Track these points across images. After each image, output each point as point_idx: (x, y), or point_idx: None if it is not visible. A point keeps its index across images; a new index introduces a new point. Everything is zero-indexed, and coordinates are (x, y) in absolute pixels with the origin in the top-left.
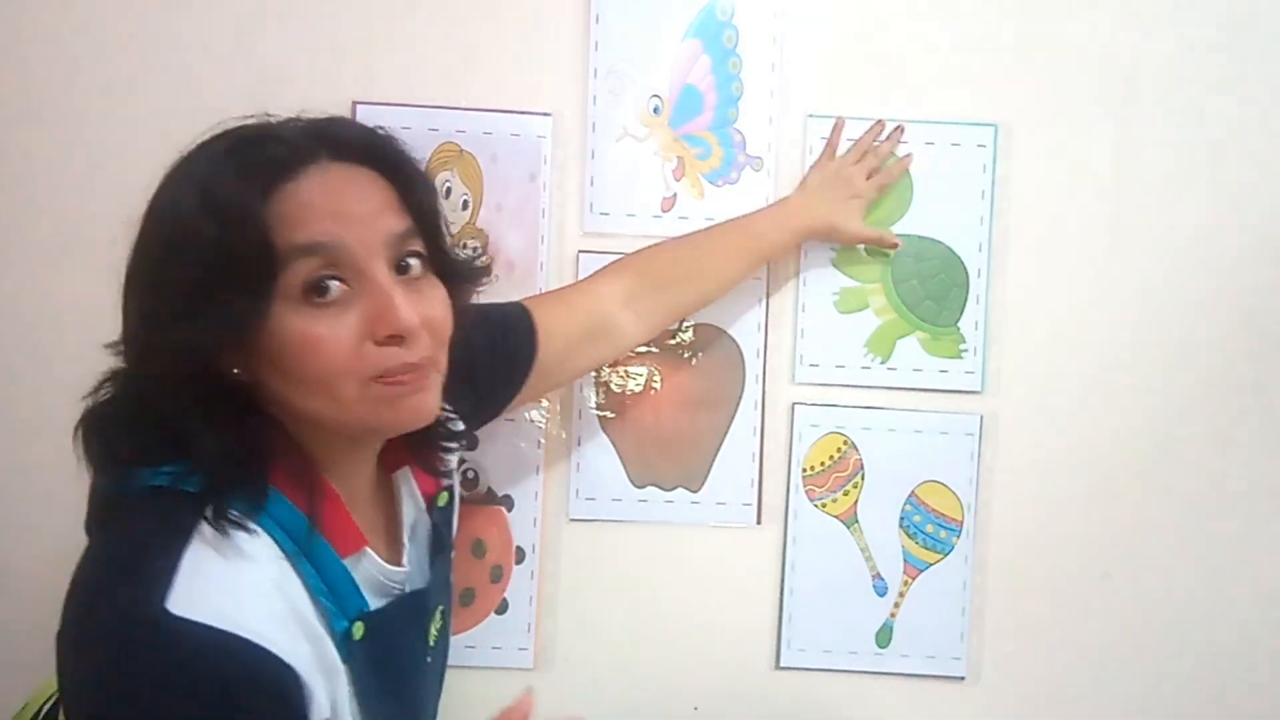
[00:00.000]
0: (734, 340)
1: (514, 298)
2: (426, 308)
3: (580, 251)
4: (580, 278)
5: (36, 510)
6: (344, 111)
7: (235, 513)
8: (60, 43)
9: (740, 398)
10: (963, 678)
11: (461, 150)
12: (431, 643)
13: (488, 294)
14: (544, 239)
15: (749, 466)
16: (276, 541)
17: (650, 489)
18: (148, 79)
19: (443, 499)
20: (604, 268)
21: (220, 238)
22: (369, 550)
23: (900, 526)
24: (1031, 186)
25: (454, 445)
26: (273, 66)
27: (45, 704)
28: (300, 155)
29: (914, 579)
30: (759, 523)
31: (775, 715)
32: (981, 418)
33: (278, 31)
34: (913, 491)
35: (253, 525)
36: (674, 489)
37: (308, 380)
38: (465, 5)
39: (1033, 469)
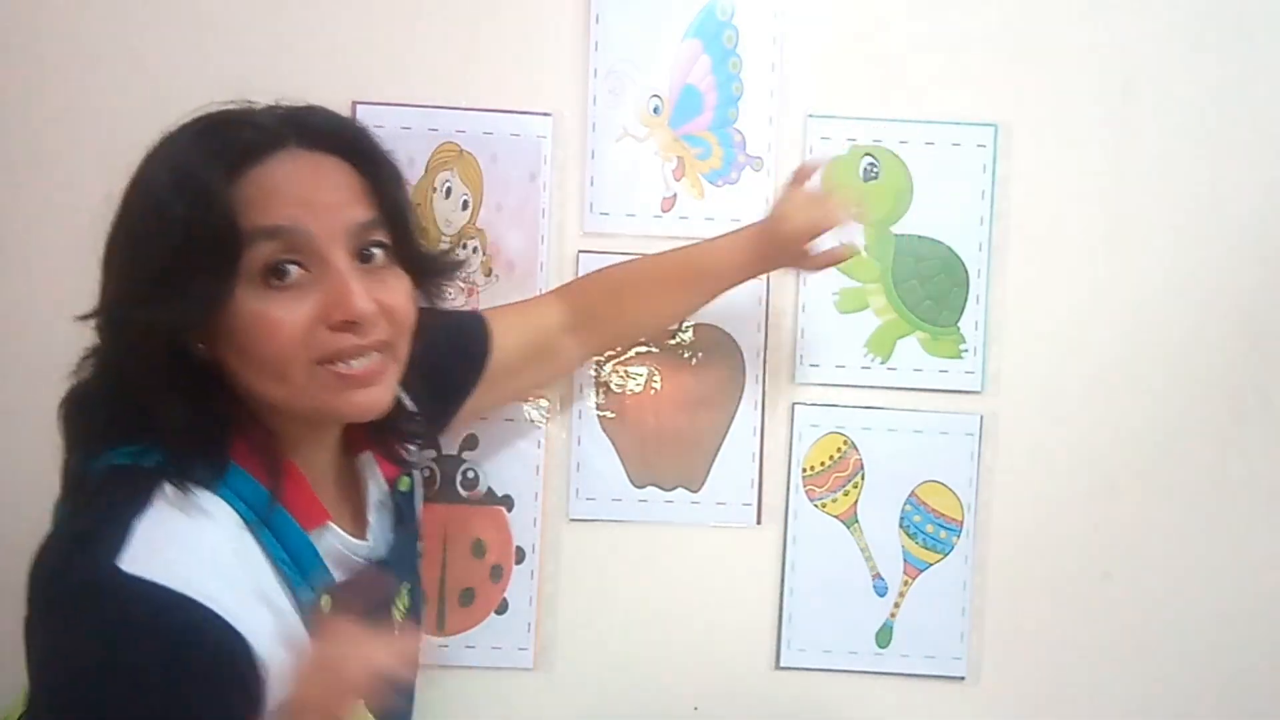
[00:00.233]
0: (734, 340)
1: (514, 298)
2: (386, 296)
3: (580, 251)
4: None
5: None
6: (344, 111)
7: (194, 484)
8: (61, 42)
9: (740, 398)
10: (963, 678)
11: (461, 150)
12: (398, 619)
13: (487, 293)
14: (544, 239)
15: (749, 466)
16: (237, 512)
17: (650, 489)
18: (148, 78)
19: (404, 484)
20: (554, 289)
21: (187, 217)
22: (332, 524)
23: (900, 526)
24: (1031, 186)
25: (413, 438)
26: (273, 66)
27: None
28: (270, 140)
29: (914, 579)
30: (759, 523)
31: (775, 715)
32: (981, 418)
33: (278, 31)
34: (913, 491)
35: (212, 495)
36: (674, 489)
37: (260, 361)
38: (465, 5)
39: (1033, 469)
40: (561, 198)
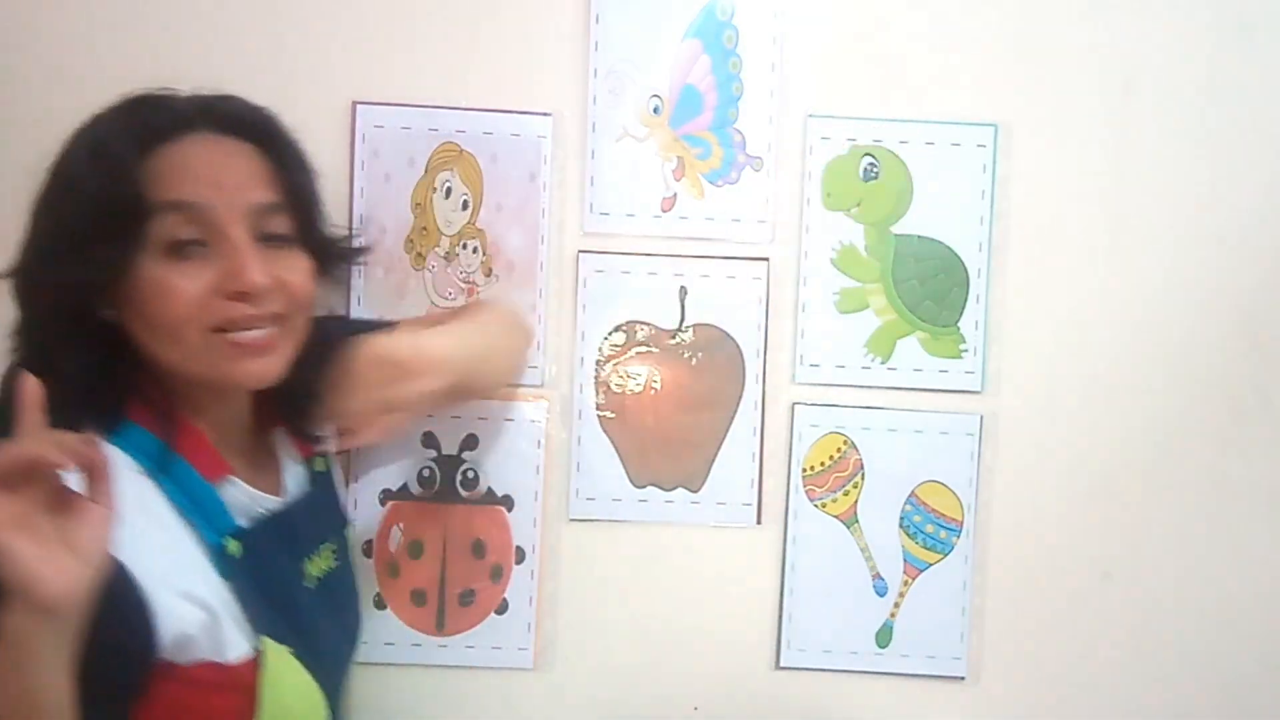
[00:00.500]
0: (734, 340)
1: (514, 298)
2: (284, 273)
3: (580, 251)
4: (580, 277)
5: None
6: (344, 111)
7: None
8: (61, 42)
9: (740, 398)
10: (963, 678)
11: (461, 150)
12: (316, 575)
13: (487, 293)
14: (544, 239)
15: (749, 466)
16: (133, 459)
17: (650, 489)
18: (148, 78)
19: (319, 463)
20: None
21: (98, 187)
22: (235, 478)
23: (900, 526)
24: (1031, 186)
25: (314, 420)
26: (273, 66)
27: None
28: (182, 122)
29: (914, 579)
30: (759, 523)
31: (775, 715)
32: (981, 418)
33: (278, 31)
34: (913, 491)
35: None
36: (674, 489)
37: (158, 326)
38: (465, 5)
39: (1033, 469)
40: (561, 198)
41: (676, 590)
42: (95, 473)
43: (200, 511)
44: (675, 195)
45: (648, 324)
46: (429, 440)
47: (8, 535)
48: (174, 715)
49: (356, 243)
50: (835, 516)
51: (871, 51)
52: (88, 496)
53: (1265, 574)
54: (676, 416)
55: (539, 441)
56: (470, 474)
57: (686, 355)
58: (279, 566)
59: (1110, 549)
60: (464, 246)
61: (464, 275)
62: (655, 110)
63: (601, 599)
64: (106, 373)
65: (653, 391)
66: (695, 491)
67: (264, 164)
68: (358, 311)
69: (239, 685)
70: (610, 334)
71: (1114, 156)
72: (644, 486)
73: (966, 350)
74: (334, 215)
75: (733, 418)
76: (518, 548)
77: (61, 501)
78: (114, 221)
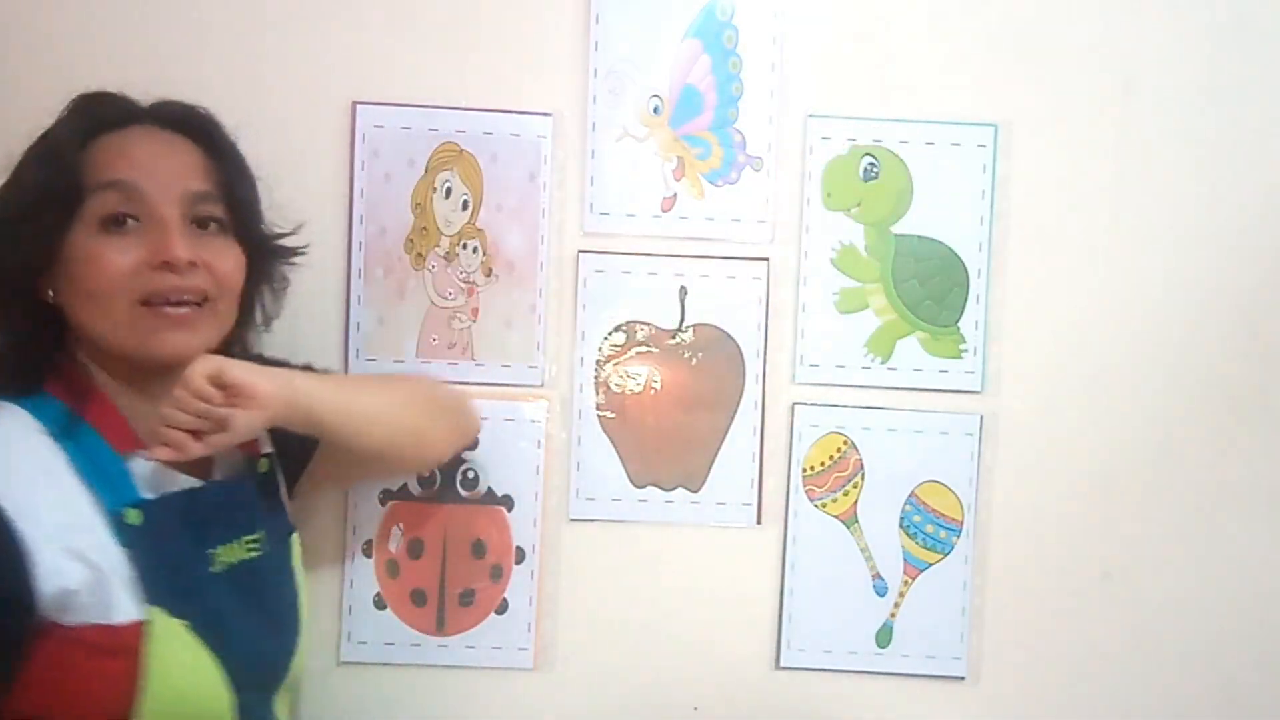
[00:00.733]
0: (734, 340)
1: (514, 298)
2: (211, 257)
3: (580, 251)
4: (580, 277)
5: None
6: (344, 111)
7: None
8: (61, 42)
9: (740, 398)
10: (963, 678)
11: (461, 150)
12: (227, 562)
13: (487, 293)
14: (544, 239)
15: (749, 466)
16: (40, 422)
17: (650, 489)
18: (147, 78)
19: (262, 465)
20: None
21: (43, 176)
22: (144, 452)
23: (900, 526)
24: (1031, 186)
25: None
26: (273, 66)
27: None
28: (126, 116)
29: (914, 579)
30: (759, 523)
31: (775, 715)
32: (981, 418)
33: (278, 31)
34: (913, 491)
35: (12, 405)
36: (674, 489)
37: (88, 296)
38: (465, 5)
39: (1033, 469)
40: (561, 198)
41: (676, 590)
42: None
43: (102, 478)
44: (675, 195)
45: (648, 324)
46: None
47: None
48: (59, 680)
49: (288, 241)
50: (835, 516)
51: (871, 51)
52: None
53: (1265, 574)
54: (676, 416)
55: (539, 441)
56: (470, 474)
57: (686, 355)
58: (181, 543)
59: (1110, 549)
60: (464, 246)
61: (464, 275)
62: (655, 110)
63: (601, 599)
64: (33, 347)
65: (653, 391)
66: (695, 491)
67: (201, 158)
68: (357, 311)
69: (124, 649)
70: (610, 334)
71: (1114, 156)
72: (644, 486)
73: (966, 350)
74: (334, 215)
75: (733, 418)
76: (518, 548)
77: None
78: (52, 202)
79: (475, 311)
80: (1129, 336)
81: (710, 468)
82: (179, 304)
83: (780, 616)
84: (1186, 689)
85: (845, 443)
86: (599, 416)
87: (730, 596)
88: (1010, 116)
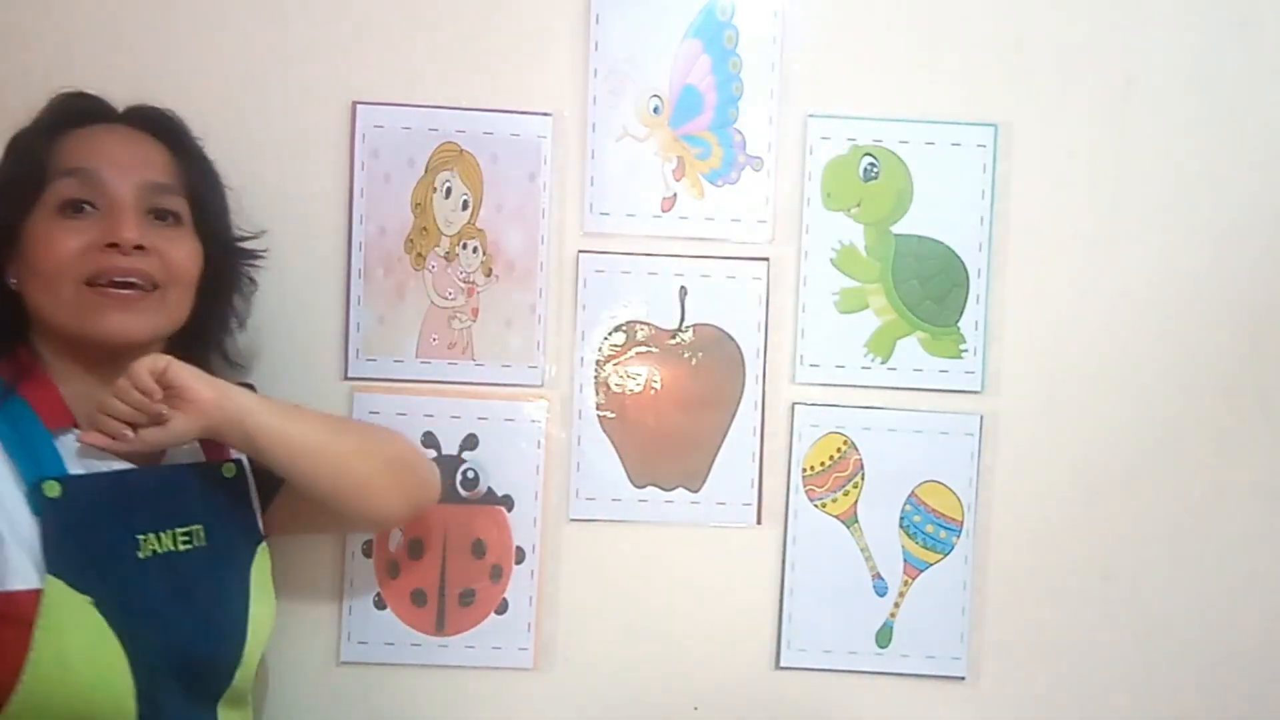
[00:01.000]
0: (734, 340)
1: (514, 298)
2: (165, 246)
3: (580, 251)
4: (580, 277)
5: None
6: (344, 111)
7: None
8: (65, 43)
9: (740, 398)
10: (963, 678)
11: (461, 150)
12: (154, 550)
13: (487, 293)
14: (544, 239)
15: (749, 466)
16: None
17: (650, 489)
18: (147, 78)
19: (228, 469)
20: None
21: (9, 165)
22: (78, 430)
23: (900, 526)
24: (1031, 186)
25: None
26: (273, 66)
27: None
28: (95, 114)
29: (914, 579)
30: (759, 523)
31: (775, 715)
32: (981, 418)
33: (279, 31)
34: (913, 491)
35: None
36: (674, 489)
37: (40, 275)
38: (465, 5)
39: (1033, 469)
40: (561, 198)
41: (676, 590)
42: None
43: (25, 449)
44: (675, 195)
45: (648, 324)
46: (429, 440)
47: None
48: None
49: (247, 243)
50: (835, 516)
51: (871, 51)
52: None
53: (1265, 574)
54: (676, 416)
55: (539, 441)
56: (470, 474)
57: (686, 355)
58: (104, 522)
59: (1110, 549)
60: (464, 246)
61: (464, 275)
62: (655, 110)
63: (601, 599)
64: None
65: (653, 391)
66: (695, 491)
67: (166, 155)
68: (357, 311)
69: (15, 617)
70: (610, 334)
71: (1113, 156)
72: (644, 486)
73: (966, 350)
74: (334, 215)
75: (733, 418)
76: (518, 548)
77: None
78: (14, 188)
79: (475, 311)
80: (1129, 336)
81: (710, 468)
82: (124, 286)
83: (780, 616)
84: (1186, 689)
85: (845, 443)
86: (599, 416)
87: (730, 596)
88: (1010, 116)
